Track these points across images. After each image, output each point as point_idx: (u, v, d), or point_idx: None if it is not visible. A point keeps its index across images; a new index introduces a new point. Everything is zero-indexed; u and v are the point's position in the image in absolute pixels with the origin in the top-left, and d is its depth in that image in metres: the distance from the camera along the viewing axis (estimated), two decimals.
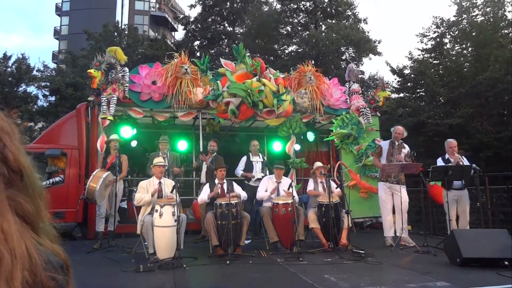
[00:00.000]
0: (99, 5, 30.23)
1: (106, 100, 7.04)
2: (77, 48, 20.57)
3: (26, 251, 0.51)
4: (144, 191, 5.37)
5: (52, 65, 23.56)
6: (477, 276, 4.12)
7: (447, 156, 6.39)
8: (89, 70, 7.28)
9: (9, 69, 18.03)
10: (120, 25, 22.76)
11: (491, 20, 15.14)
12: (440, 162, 6.38)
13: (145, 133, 8.73)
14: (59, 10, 34.20)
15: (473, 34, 15.05)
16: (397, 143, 6.34)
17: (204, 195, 5.74)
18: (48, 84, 17.74)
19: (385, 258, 5.05)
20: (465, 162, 6.30)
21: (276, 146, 8.84)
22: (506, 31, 15.33)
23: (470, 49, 15.74)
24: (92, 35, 19.23)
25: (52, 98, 18.28)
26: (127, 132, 7.61)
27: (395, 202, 6.13)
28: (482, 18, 15.78)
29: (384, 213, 6.23)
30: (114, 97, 7.04)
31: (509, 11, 15.43)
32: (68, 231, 7.10)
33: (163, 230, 4.95)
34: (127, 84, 7.31)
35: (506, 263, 4.22)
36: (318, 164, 6.49)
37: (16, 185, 0.56)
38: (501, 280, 3.84)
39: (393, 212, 6.21)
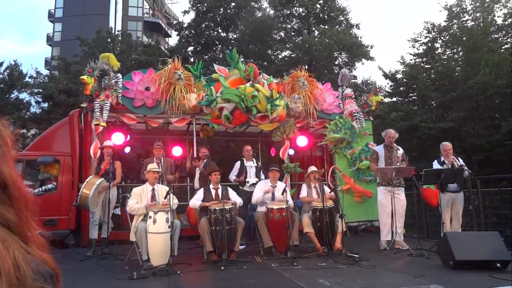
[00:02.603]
0: (92, 11, 30.17)
1: (99, 107, 7.00)
2: (70, 54, 20.49)
3: (15, 263, 0.49)
4: (137, 197, 5.34)
5: (45, 72, 23.45)
6: (470, 278, 4.16)
7: (442, 158, 6.49)
8: (82, 77, 7.23)
9: (0, 76, 17.88)
10: (113, 31, 22.73)
11: (481, 25, 15.37)
12: (436, 164, 6.47)
13: (138, 139, 8.69)
14: (52, 17, 34.07)
15: (464, 38, 15.26)
16: (391, 147, 6.43)
17: (196, 201, 5.70)
18: (40, 90, 17.60)
19: (379, 262, 5.07)
20: (460, 162, 6.38)
21: (270, 151, 8.86)
22: (495, 35, 15.58)
23: (461, 53, 15.96)
24: (85, 42, 19.17)
25: (45, 105, 18.15)
26: (120, 138, 7.58)
27: (394, 205, 6.10)
28: (472, 23, 16.03)
29: (383, 217, 6.21)
30: (107, 103, 7.01)
31: (498, 16, 15.70)
32: (61, 239, 7.02)
33: (157, 236, 4.92)
34: (120, 90, 7.29)
35: (499, 265, 4.26)
36: (312, 168, 6.50)
37: None
38: (494, 282, 3.88)
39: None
